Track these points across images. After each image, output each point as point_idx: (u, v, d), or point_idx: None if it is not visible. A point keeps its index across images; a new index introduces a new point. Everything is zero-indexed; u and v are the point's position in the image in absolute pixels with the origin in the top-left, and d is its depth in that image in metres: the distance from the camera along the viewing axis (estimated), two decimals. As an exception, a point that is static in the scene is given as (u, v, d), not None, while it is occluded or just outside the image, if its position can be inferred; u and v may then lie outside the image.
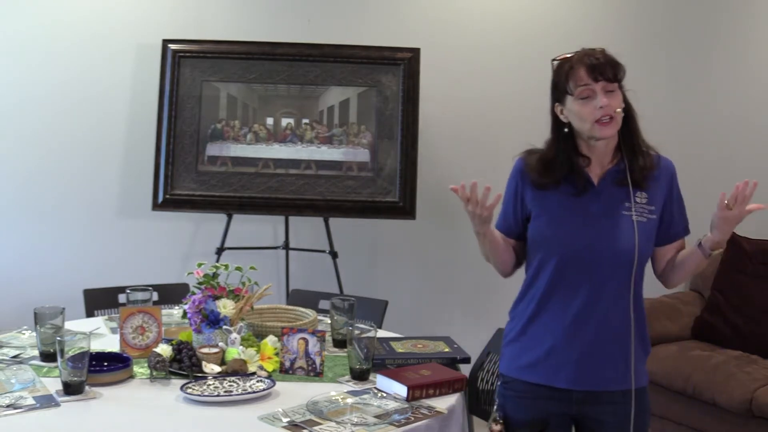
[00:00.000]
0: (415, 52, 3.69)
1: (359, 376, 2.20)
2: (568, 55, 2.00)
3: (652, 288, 4.08)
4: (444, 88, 4.03)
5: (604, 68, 1.95)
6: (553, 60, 2.02)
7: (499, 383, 2.11)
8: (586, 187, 2.00)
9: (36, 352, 2.32)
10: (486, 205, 1.94)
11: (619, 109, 1.97)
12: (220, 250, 3.69)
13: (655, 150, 2.07)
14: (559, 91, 1.99)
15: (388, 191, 3.65)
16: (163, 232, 3.95)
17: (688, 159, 4.33)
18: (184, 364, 2.17)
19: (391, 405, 2.02)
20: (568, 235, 1.99)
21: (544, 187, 2.03)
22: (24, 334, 2.56)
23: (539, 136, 2.07)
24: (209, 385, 2.08)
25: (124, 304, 2.59)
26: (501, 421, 2.01)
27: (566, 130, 2.00)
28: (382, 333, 2.66)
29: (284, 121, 3.68)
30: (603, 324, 1.98)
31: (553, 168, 2.02)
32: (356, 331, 2.22)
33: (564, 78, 1.96)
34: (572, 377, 1.99)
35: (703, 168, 4.34)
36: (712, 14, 4.27)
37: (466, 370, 2.37)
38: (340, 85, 3.69)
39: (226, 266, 2.45)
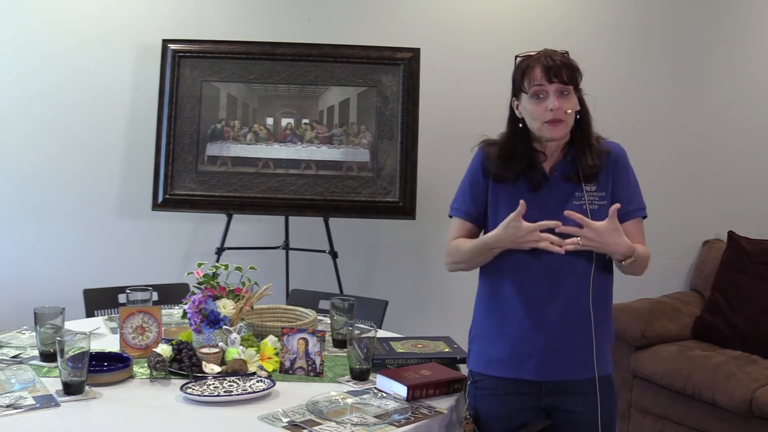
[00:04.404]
0: (415, 52, 3.69)
1: (359, 376, 2.20)
2: (530, 54, 2.03)
3: (651, 288, 4.11)
4: (444, 88, 4.03)
5: (559, 70, 1.97)
6: (517, 56, 2.06)
7: (468, 383, 2.13)
8: (542, 182, 2.05)
9: (36, 352, 2.32)
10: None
11: (569, 111, 2.00)
12: (220, 250, 3.69)
13: (604, 138, 2.10)
14: (515, 88, 2.04)
15: (388, 191, 3.65)
16: (163, 232, 3.95)
17: (689, 158, 4.34)
18: (184, 364, 2.17)
19: (391, 405, 2.02)
20: None
21: (503, 179, 2.07)
22: (24, 334, 2.56)
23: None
24: (209, 385, 2.08)
25: (124, 304, 2.59)
26: (471, 420, 2.03)
27: (521, 125, 2.05)
28: (382, 333, 2.66)
29: (284, 121, 3.68)
30: (564, 314, 2.02)
31: (512, 161, 2.06)
32: (356, 331, 2.22)
33: (520, 75, 2.02)
34: (538, 368, 2.03)
35: (704, 168, 4.34)
36: (712, 14, 4.27)
37: (466, 370, 2.37)
38: (340, 85, 3.69)
39: (226, 266, 2.45)
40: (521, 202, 1.94)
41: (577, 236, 1.93)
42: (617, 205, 1.94)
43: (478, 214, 2.13)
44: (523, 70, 2.01)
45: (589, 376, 2.04)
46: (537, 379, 2.04)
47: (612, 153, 2.09)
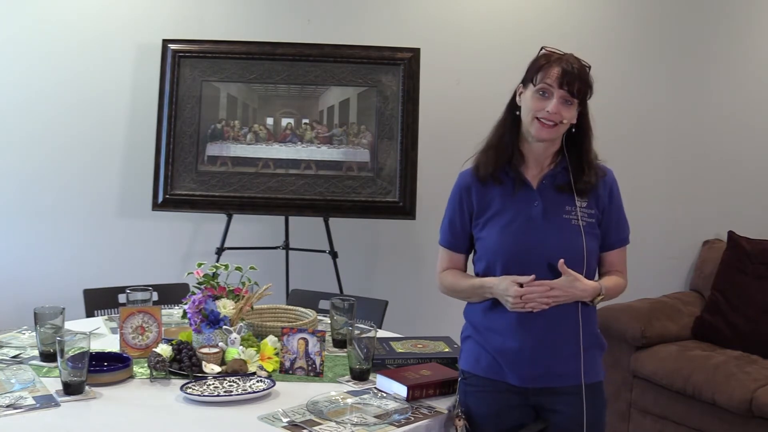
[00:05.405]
0: (415, 52, 3.69)
1: (359, 376, 2.20)
2: (556, 51, 2.04)
3: (651, 288, 4.11)
4: (444, 88, 4.03)
5: (573, 80, 1.98)
6: (543, 48, 2.06)
7: (459, 379, 2.14)
8: (521, 185, 2.05)
9: (36, 352, 2.32)
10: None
11: (565, 121, 2.00)
12: (220, 250, 3.69)
13: (601, 160, 2.11)
14: (527, 76, 2.04)
15: (388, 191, 3.65)
16: (163, 232, 3.95)
17: (689, 158, 4.34)
18: (184, 364, 2.17)
19: (391, 405, 2.02)
20: (512, 240, 2.04)
21: (488, 178, 2.07)
22: (24, 334, 2.56)
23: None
24: (209, 385, 2.08)
25: (124, 304, 2.59)
26: (463, 416, 2.03)
27: (517, 113, 2.06)
28: (382, 333, 2.66)
29: (284, 121, 3.68)
30: (550, 323, 2.02)
31: (498, 150, 2.07)
32: (356, 331, 2.22)
33: (537, 67, 2.02)
34: (524, 376, 2.04)
35: (704, 168, 4.34)
36: (712, 14, 4.27)
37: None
38: (340, 85, 3.69)
39: (226, 266, 2.45)
40: (533, 276, 1.97)
41: (545, 295, 1.97)
42: (561, 261, 1.97)
43: (461, 243, 2.17)
44: (542, 64, 2.01)
45: (575, 382, 2.04)
46: (522, 385, 2.05)
47: (608, 177, 2.11)
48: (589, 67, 2.03)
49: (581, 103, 2.03)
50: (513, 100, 2.09)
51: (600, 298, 2.04)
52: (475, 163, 2.13)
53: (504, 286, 1.99)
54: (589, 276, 2.05)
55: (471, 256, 2.19)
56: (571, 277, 1.98)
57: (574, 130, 2.05)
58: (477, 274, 2.13)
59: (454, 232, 2.16)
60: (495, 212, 2.07)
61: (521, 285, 1.97)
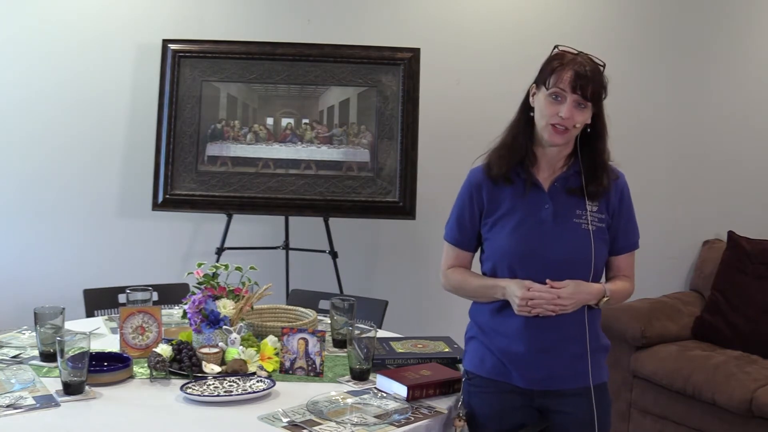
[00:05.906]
0: (415, 52, 3.69)
1: (359, 376, 2.20)
2: (570, 52, 2.00)
3: (651, 288, 4.10)
4: (444, 88, 4.03)
5: (586, 84, 1.94)
6: (557, 46, 2.03)
7: (463, 379, 2.13)
8: (531, 187, 2.03)
9: (36, 352, 2.32)
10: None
11: (578, 125, 1.97)
12: (220, 250, 3.69)
13: (613, 162, 2.09)
14: (540, 77, 2.01)
15: (388, 191, 3.65)
16: (163, 232, 3.95)
17: (689, 158, 4.34)
18: (184, 364, 2.17)
19: (391, 405, 2.02)
20: (520, 242, 2.02)
21: (500, 179, 2.05)
22: (24, 334, 2.56)
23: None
24: (209, 385, 2.08)
25: (124, 304, 2.59)
26: (464, 417, 2.02)
27: (531, 114, 2.03)
28: (382, 333, 2.66)
29: (284, 121, 3.68)
30: (558, 328, 2.01)
31: (511, 150, 2.04)
32: (356, 331, 2.22)
33: (550, 70, 1.98)
34: (528, 378, 2.04)
35: (704, 168, 4.34)
36: (712, 14, 4.27)
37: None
38: (340, 85, 3.68)
39: (226, 266, 2.45)
40: (548, 281, 1.97)
41: (552, 302, 1.95)
42: (548, 281, 1.96)
43: (468, 241, 2.15)
44: (555, 66, 1.97)
45: (581, 384, 2.04)
46: (527, 387, 2.05)
47: (620, 180, 2.09)
48: (604, 66, 1.99)
49: (595, 105, 1.99)
50: (526, 100, 2.06)
51: (605, 301, 2.03)
52: (487, 162, 2.09)
53: (514, 288, 1.98)
54: (596, 281, 2.04)
55: (478, 255, 2.18)
56: (575, 283, 1.97)
57: (589, 130, 2.01)
58: (484, 274, 2.12)
59: (462, 229, 2.14)
60: (504, 213, 2.05)
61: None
